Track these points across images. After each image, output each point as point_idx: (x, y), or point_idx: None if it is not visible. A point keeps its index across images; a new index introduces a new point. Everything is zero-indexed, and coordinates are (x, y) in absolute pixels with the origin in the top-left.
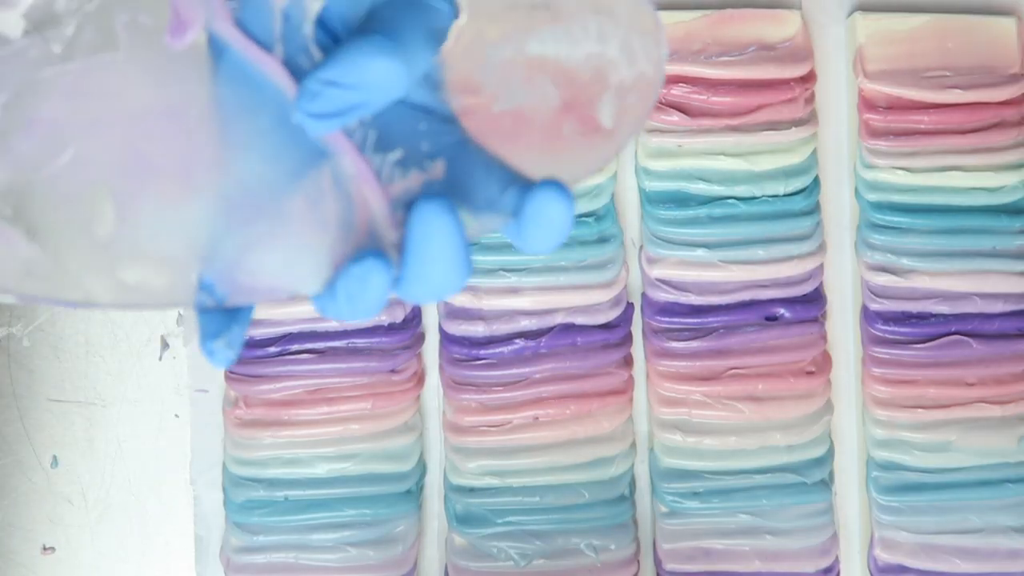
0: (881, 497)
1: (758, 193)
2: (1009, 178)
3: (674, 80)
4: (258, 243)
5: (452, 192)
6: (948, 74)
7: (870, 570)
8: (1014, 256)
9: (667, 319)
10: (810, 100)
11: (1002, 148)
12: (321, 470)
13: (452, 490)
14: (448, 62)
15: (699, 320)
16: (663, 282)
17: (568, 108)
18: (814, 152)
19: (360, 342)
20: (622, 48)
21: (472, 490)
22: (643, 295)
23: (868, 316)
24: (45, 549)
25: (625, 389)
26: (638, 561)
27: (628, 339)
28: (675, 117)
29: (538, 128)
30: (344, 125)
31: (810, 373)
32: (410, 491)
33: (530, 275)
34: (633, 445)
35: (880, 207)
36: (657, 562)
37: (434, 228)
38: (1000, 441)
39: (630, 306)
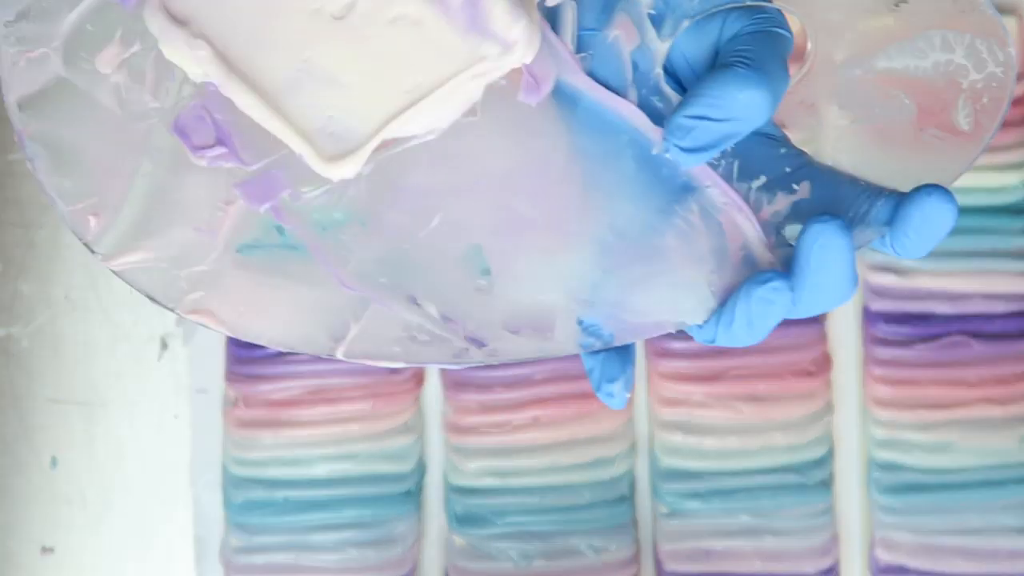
0: (882, 497)
1: None
2: (1010, 178)
3: None
4: (639, 283)
5: (821, 211)
6: None
7: (871, 570)
8: (1015, 256)
9: None
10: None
11: (1002, 148)
12: (321, 470)
13: (452, 490)
14: (795, 89)
15: None
16: None
17: (925, 117)
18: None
19: None
20: (968, 53)
21: (472, 490)
22: None
23: (869, 316)
24: (44, 549)
25: None
26: (638, 562)
27: None
28: None
29: (899, 140)
30: (712, 156)
31: (810, 373)
32: (410, 491)
33: None
34: (633, 445)
35: None
36: (657, 563)
37: (832, 248)
38: (1001, 441)
39: None
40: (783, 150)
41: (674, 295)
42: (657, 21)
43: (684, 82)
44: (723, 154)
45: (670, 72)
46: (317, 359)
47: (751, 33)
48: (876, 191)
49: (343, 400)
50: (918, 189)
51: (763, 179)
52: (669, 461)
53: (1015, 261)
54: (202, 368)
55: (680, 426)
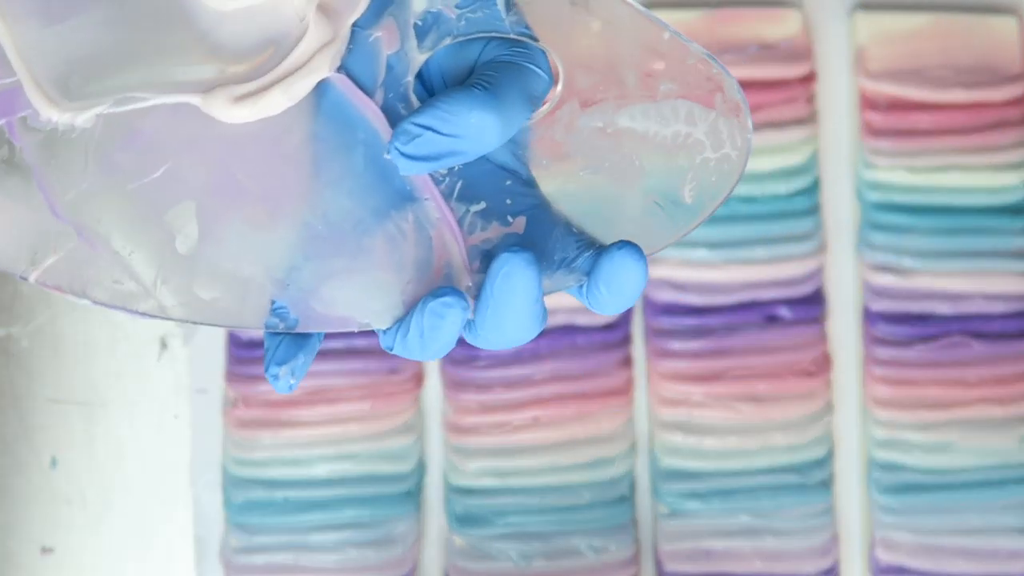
0: (882, 497)
1: (758, 193)
2: (1010, 178)
3: None
4: (336, 275)
5: (530, 248)
6: (949, 74)
7: (871, 570)
8: (1015, 256)
9: (668, 319)
10: (810, 100)
11: (1002, 148)
12: (321, 470)
13: (452, 491)
14: (536, 128)
15: (700, 320)
16: (664, 282)
17: (653, 182)
18: (815, 152)
19: (360, 342)
20: (709, 132)
21: (472, 490)
22: (644, 295)
23: (869, 316)
24: (44, 549)
25: (625, 389)
26: (638, 562)
27: (628, 339)
28: None
29: (624, 198)
30: (434, 170)
31: (810, 373)
32: (410, 492)
33: None
34: (633, 445)
35: (881, 207)
36: (657, 563)
37: (516, 279)
38: (1001, 441)
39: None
40: (509, 183)
41: (366, 296)
42: (421, 33)
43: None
44: (449, 172)
45: (426, 85)
46: (317, 359)
47: (504, 62)
48: (588, 242)
49: (343, 400)
50: (612, 244)
51: (483, 205)
52: (669, 461)
53: (1015, 261)
54: (202, 368)
55: (680, 426)
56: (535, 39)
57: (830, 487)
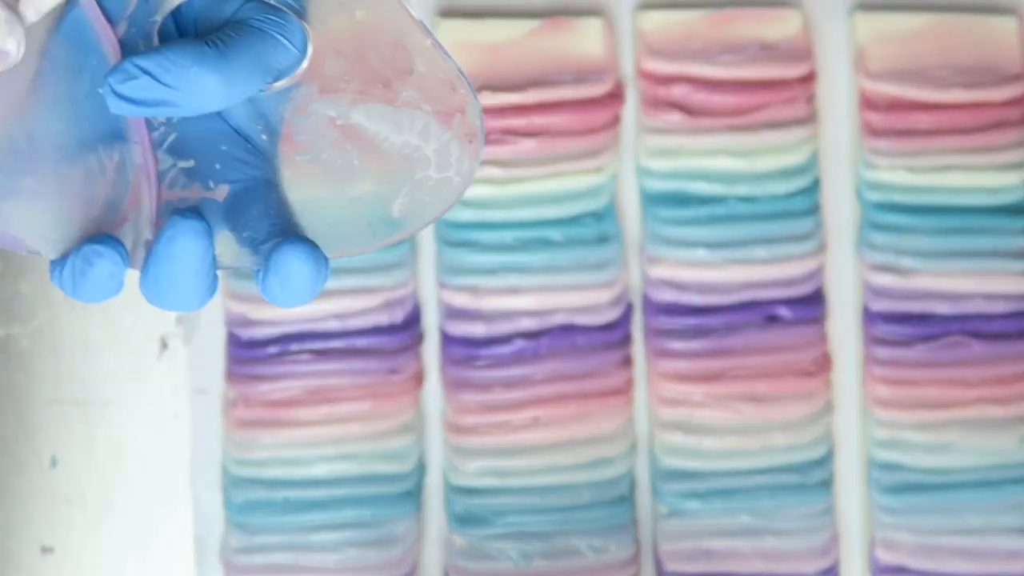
0: (882, 497)
1: (758, 193)
2: (1010, 178)
3: (674, 80)
4: (22, 194)
5: (226, 218)
6: (949, 74)
7: (871, 570)
8: (1015, 256)
9: (668, 319)
10: (810, 100)
11: (1003, 148)
12: (321, 470)
13: (452, 490)
14: (280, 101)
15: (700, 320)
16: (664, 282)
17: (367, 185)
18: (814, 152)
19: (360, 342)
20: (439, 151)
21: (472, 490)
22: (643, 295)
23: (869, 316)
24: (44, 550)
25: (625, 389)
26: (638, 562)
27: (628, 339)
28: (675, 117)
29: (334, 195)
30: (144, 115)
31: (810, 373)
32: (410, 492)
33: (530, 275)
34: (633, 445)
35: (881, 207)
36: (657, 563)
37: (179, 244)
38: (1001, 441)
39: (630, 306)
40: (229, 148)
41: (45, 223)
42: None
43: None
44: (168, 121)
45: (181, 31)
46: (317, 359)
47: (251, 26)
48: (281, 228)
49: (343, 400)
50: (288, 239)
51: (191, 163)
52: (669, 461)
53: (1015, 261)
54: (202, 368)
55: (680, 426)
56: (298, 11)
57: (830, 487)
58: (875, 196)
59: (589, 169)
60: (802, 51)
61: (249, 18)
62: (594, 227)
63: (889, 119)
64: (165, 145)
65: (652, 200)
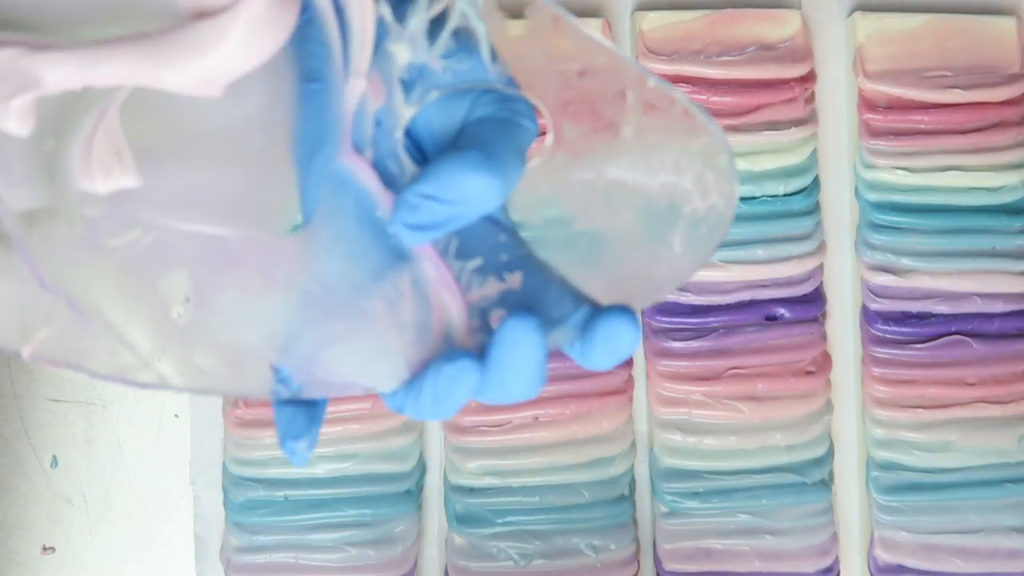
0: (881, 497)
1: (758, 193)
2: (1009, 178)
3: (674, 80)
4: (336, 340)
5: (526, 304)
6: (948, 74)
7: (870, 570)
8: (1014, 256)
9: (667, 319)
10: (810, 100)
11: (1002, 148)
12: (321, 470)
13: (452, 490)
14: (527, 180)
15: (699, 320)
16: None
17: (643, 235)
18: (814, 152)
19: None
20: (696, 181)
21: (472, 490)
22: None
23: (868, 316)
24: (45, 549)
25: (625, 389)
26: (638, 561)
27: None
28: None
29: (612, 251)
30: (437, 237)
31: (810, 373)
32: (410, 491)
33: None
34: (633, 445)
35: (880, 207)
36: (657, 562)
37: (524, 345)
38: (1000, 441)
39: None
40: (503, 237)
41: (369, 359)
42: (408, 86)
43: (425, 153)
44: None
45: (414, 140)
46: None
47: (495, 119)
48: (580, 298)
49: (343, 400)
50: (607, 308)
51: (479, 262)
52: (669, 461)
53: (1014, 261)
54: None
55: (680, 426)
56: (517, 87)
57: (829, 487)
58: (874, 196)
59: None
60: (801, 52)
61: (489, 112)
62: None
63: (888, 119)
64: (451, 252)
65: None
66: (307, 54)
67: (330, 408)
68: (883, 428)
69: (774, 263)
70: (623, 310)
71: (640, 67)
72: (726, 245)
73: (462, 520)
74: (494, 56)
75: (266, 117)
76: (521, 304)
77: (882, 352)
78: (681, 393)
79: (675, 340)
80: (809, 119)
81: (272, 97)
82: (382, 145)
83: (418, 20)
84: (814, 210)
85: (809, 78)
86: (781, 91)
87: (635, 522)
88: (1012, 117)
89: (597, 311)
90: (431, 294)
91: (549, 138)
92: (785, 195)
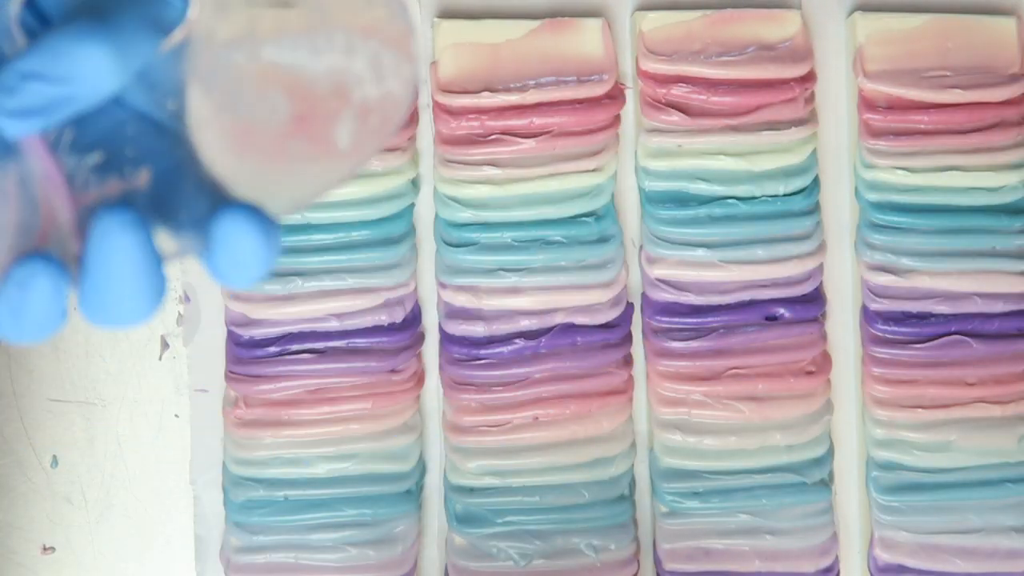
0: (881, 497)
1: (758, 193)
2: (1009, 178)
3: (674, 80)
4: None
5: (155, 206)
6: (948, 74)
7: (870, 570)
8: (1014, 256)
9: (667, 319)
10: (810, 100)
11: (1002, 148)
12: (321, 470)
13: (452, 490)
14: (175, 61)
15: (699, 320)
16: (663, 282)
17: (300, 124)
18: (814, 152)
19: (360, 342)
20: (370, 63)
21: (472, 490)
22: (643, 295)
23: (868, 316)
24: (45, 549)
25: (625, 389)
26: (638, 561)
27: (628, 339)
28: (675, 117)
29: (264, 143)
30: (48, 126)
31: (810, 373)
32: (410, 491)
33: (530, 275)
34: (633, 445)
35: (880, 207)
36: (657, 562)
37: (115, 242)
38: (1000, 441)
39: (630, 306)
40: (134, 128)
41: None
42: None
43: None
44: None
45: (42, 15)
46: (317, 359)
47: None
48: (222, 197)
49: (343, 400)
50: (228, 206)
51: (99, 157)
52: (669, 461)
53: (1014, 261)
54: (202, 368)
55: (680, 426)
56: None
57: (829, 486)
58: (874, 196)
59: (589, 169)
60: (801, 51)
61: None
62: (594, 227)
63: (888, 119)
64: (64, 145)
65: (652, 200)
66: None
67: (330, 408)
68: (883, 428)
69: (774, 263)
70: (245, 208)
71: None
72: (726, 245)
73: (462, 520)
74: None
75: None
76: (145, 204)
77: (882, 352)
78: (681, 393)
79: (675, 340)
80: (809, 119)
81: None
82: None
83: None
84: (814, 210)
85: (809, 78)
86: (781, 91)
87: (635, 522)
88: (1012, 117)
89: (219, 210)
90: (39, 193)
91: (193, 9)
92: (785, 195)
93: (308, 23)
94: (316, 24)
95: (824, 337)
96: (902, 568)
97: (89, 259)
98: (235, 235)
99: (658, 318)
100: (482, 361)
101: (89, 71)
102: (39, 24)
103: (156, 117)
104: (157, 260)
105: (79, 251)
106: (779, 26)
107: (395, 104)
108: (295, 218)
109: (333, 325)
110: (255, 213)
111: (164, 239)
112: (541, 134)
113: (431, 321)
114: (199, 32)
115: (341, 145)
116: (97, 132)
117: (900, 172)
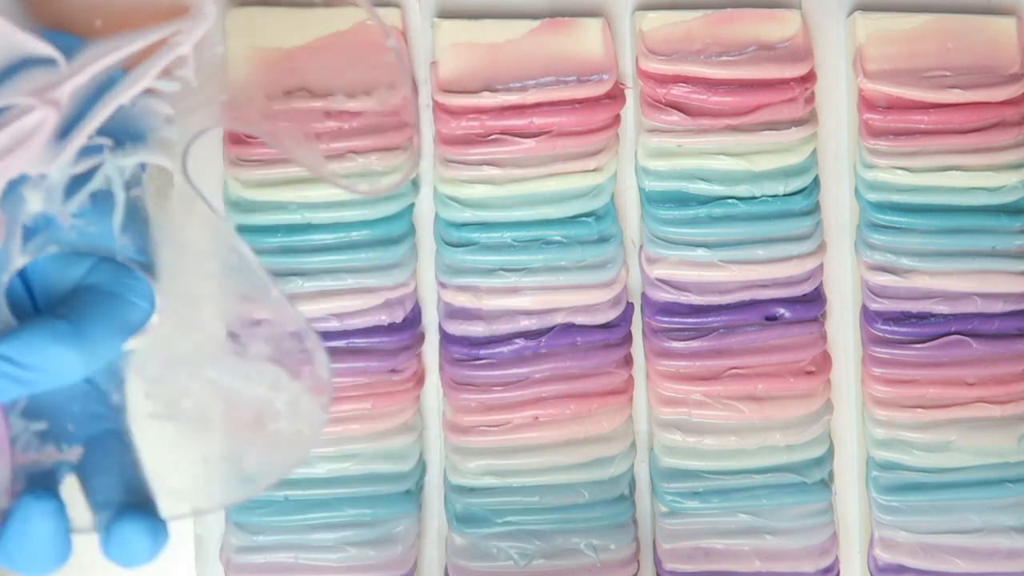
0: (881, 497)
1: (758, 193)
2: (1009, 178)
3: (674, 80)
4: None
5: (79, 478)
6: (948, 74)
7: (870, 570)
8: (1014, 256)
9: (667, 319)
10: (810, 100)
11: (1002, 148)
12: (321, 470)
13: (452, 490)
14: (134, 357)
15: (699, 320)
16: (663, 282)
17: (222, 439)
18: (814, 152)
19: (360, 342)
20: (290, 403)
21: (472, 490)
22: (643, 295)
23: (868, 316)
24: None
25: (625, 389)
26: (638, 561)
27: (628, 339)
28: (675, 117)
29: (183, 448)
30: (8, 400)
31: (810, 373)
32: (410, 491)
33: (530, 275)
34: (633, 445)
35: (880, 207)
36: (657, 562)
37: (35, 526)
38: (1000, 441)
39: (630, 306)
40: (80, 408)
41: None
42: (30, 233)
43: (36, 302)
44: None
45: (28, 286)
46: None
47: (104, 291)
48: (133, 491)
49: (343, 400)
50: (128, 512)
51: (44, 425)
52: (669, 461)
53: (1014, 261)
54: None
55: (680, 426)
56: (146, 265)
57: (829, 486)
58: (874, 196)
59: (589, 169)
60: (801, 51)
61: (100, 282)
62: (594, 227)
63: (888, 119)
64: (17, 410)
65: (652, 200)
66: None
67: (330, 408)
68: (883, 428)
69: (774, 263)
70: (142, 515)
71: (270, 276)
72: (726, 245)
73: (462, 520)
74: (128, 226)
75: None
76: (83, 477)
77: (882, 352)
78: (681, 393)
79: (675, 340)
80: (809, 119)
81: None
82: None
83: (61, 173)
84: (814, 210)
85: (809, 78)
86: (781, 91)
87: (635, 522)
88: (1012, 117)
89: (122, 509)
90: None
91: (156, 318)
92: (785, 195)
93: (249, 352)
94: (255, 355)
95: (824, 337)
96: (902, 568)
97: (10, 530)
98: (131, 537)
99: (658, 318)
100: (482, 361)
101: (56, 367)
102: (25, 292)
103: (105, 395)
104: (67, 536)
105: (5, 508)
106: (779, 26)
107: (301, 444)
108: (295, 218)
109: (333, 325)
110: (150, 521)
111: (79, 512)
112: (541, 134)
113: (431, 321)
114: (154, 340)
115: (248, 468)
116: (47, 404)
117: (900, 172)
